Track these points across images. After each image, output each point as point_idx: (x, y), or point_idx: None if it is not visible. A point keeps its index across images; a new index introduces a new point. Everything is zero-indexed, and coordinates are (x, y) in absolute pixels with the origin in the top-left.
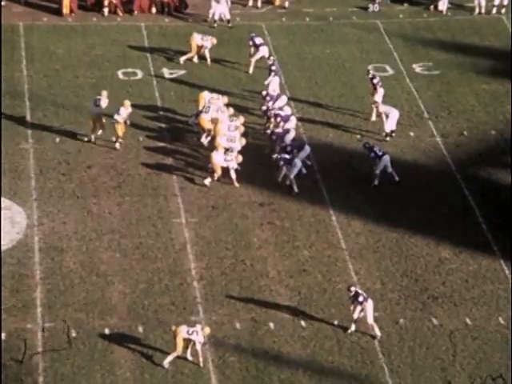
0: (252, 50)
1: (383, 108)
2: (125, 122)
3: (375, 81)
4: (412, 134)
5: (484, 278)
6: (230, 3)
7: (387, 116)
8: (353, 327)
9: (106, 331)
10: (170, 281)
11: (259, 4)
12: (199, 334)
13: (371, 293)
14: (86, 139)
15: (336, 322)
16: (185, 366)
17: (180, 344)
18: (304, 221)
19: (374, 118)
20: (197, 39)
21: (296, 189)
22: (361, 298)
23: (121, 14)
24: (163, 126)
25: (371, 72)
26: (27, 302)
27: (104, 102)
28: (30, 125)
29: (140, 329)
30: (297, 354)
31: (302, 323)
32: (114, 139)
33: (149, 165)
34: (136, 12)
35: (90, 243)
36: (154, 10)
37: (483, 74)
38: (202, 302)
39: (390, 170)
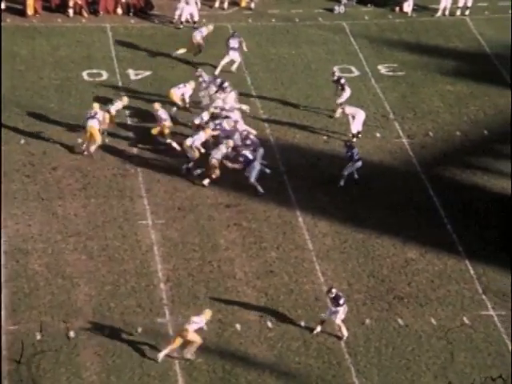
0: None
1: (349, 109)
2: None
3: (343, 81)
4: (378, 135)
5: (449, 278)
6: (199, 4)
7: (353, 117)
8: (318, 328)
9: (72, 334)
10: (136, 282)
11: (225, 5)
12: (203, 321)
13: None
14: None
15: (303, 323)
16: (151, 369)
17: (180, 341)
18: (271, 222)
19: (338, 114)
20: (197, 37)
21: (261, 189)
22: (342, 301)
23: (86, 15)
24: (129, 127)
25: (336, 73)
26: None
27: (100, 115)
28: None
29: (106, 331)
30: (264, 355)
31: (269, 324)
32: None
33: (114, 166)
34: (101, 13)
35: (56, 245)
36: (119, 11)
37: (448, 75)
38: (169, 304)
39: (356, 176)
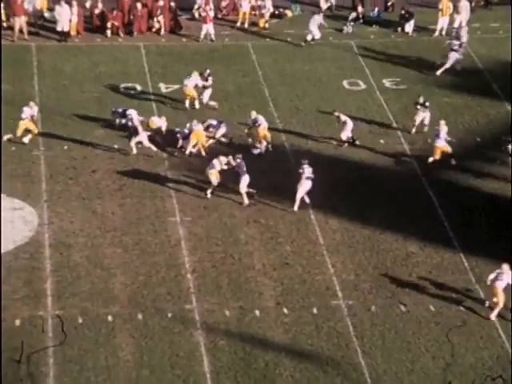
0: None
1: (344, 117)
2: (31, 119)
3: (418, 107)
4: (382, 141)
5: (446, 270)
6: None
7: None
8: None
9: (110, 318)
10: (166, 273)
11: (246, 25)
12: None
13: (346, 283)
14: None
15: (315, 310)
16: (180, 350)
17: (502, 299)
18: (286, 219)
19: (414, 130)
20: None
21: (247, 201)
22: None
23: (122, 35)
24: (160, 134)
25: (421, 99)
26: (39, 292)
27: (34, 111)
28: (41, 134)
29: (140, 316)
30: (280, 338)
31: (285, 311)
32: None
33: (147, 169)
34: (135, 33)
35: (95, 240)
36: (154, 29)
37: (445, 89)
38: (195, 292)
39: None
